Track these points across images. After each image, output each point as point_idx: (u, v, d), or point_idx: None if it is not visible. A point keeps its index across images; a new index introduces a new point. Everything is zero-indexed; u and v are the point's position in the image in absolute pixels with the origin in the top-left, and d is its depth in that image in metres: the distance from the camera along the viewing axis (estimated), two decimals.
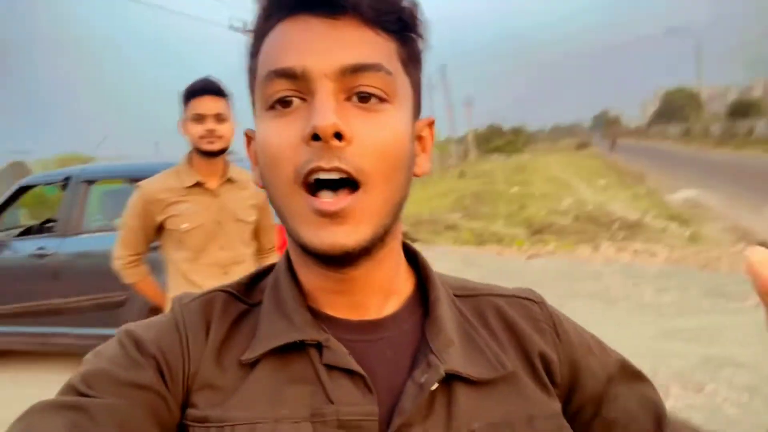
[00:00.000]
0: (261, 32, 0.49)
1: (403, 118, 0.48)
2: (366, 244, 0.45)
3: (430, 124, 0.54)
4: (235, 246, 1.97)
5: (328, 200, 0.44)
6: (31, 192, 4.24)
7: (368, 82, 0.45)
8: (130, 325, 0.51)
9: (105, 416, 0.43)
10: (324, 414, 0.45)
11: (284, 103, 0.46)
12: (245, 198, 2.01)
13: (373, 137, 0.45)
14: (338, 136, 0.43)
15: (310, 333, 0.48)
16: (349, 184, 0.44)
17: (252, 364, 0.48)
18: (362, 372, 0.47)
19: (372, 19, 0.46)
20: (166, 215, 1.90)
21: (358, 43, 0.46)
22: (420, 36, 0.50)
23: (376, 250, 0.48)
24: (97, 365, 0.46)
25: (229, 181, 1.98)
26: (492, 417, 0.48)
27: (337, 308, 0.51)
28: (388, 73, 0.46)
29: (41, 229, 3.90)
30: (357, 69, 0.45)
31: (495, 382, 0.49)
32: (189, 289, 1.66)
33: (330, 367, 0.47)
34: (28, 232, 4.46)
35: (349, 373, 0.47)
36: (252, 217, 2.02)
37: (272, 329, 0.49)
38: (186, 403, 0.48)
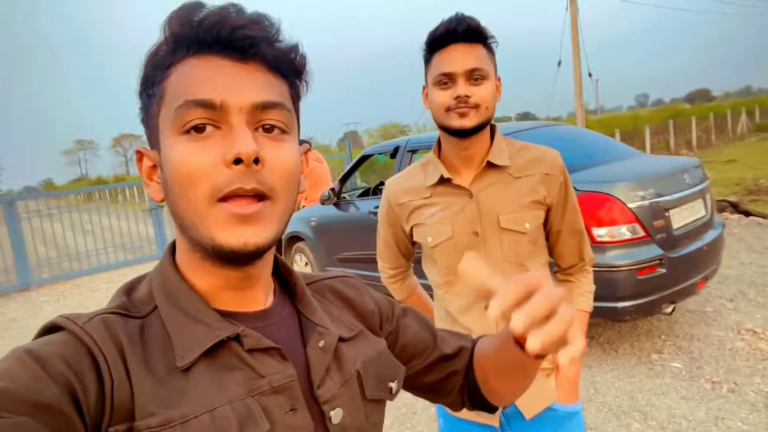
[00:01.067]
0: (164, 63, 0.56)
1: (296, 146, 0.59)
2: (270, 243, 0.56)
3: (306, 152, 0.66)
4: (505, 267, 1.32)
5: (243, 204, 0.53)
6: (368, 159, 5.03)
7: (273, 117, 0.56)
8: (26, 345, 0.50)
9: None
10: (260, 387, 0.56)
11: (198, 129, 0.54)
12: (521, 192, 1.32)
13: (279, 161, 0.55)
14: (256, 161, 0.52)
15: (227, 329, 0.57)
16: (258, 197, 0.54)
17: (186, 369, 0.54)
18: (277, 346, 0.59)
19: (273, 66, 0.57)
20: (411, 224, 1.42)
21: (265, 85, 0.56)
22: (305, 81, 0.62)
23: (267, 250, 0.58)
24: None
25: (491, 167, 1.33)
26: (362, 358, 0.67)
27: (232, 304, 0.61)
28: (288, 110, 0.57)
29: (375, 190, 4.60)
30: (266, 106, 0.55)
31: (354, 337, 0.69)
32: (451, 326, 1.41)
33: (251, 351, 0.57)
34: (365, 193, 5.34)
35: (266, 350, 0.58)
36: (532, 221, 1.32)
37: (190, 334, 0.56)
38: (104, 418, 0.49)
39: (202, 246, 0.55)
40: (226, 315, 0.59)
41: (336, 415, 0.61)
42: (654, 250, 3.16)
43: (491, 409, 0.82)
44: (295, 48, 0.59)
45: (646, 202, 3.20)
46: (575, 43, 14.23)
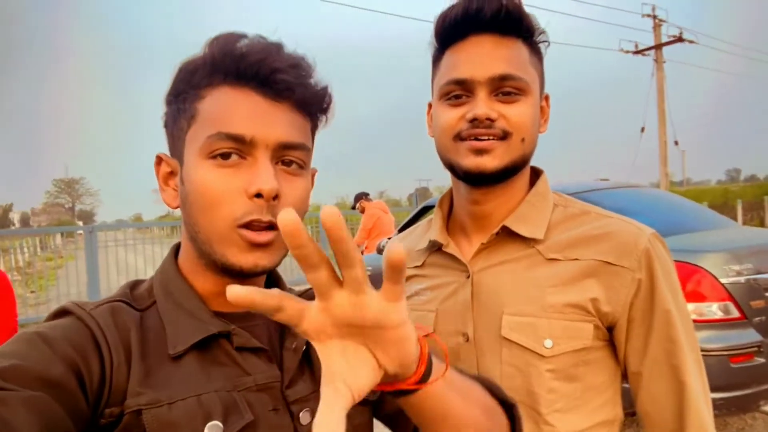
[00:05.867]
0: (199, 84, 0.61)
1: (309, 178, 0.67)
2: (276, 265, 0.63)
3: (313, 174, 0.70)
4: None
5: (259, 234, 0.59)
6: (430, 211, 4.89)
7: (294, 155, 0.62)
8: (35, 328, 0.54)
9: (24, 408, 0.45)
10: (245, 383, 0.60)
11: (224, 155, 0.59)
12: (552, 284, 0.83)
13: (294, 196, 0.62)
14: (275, 197, 0.58)
15: (219, 326, 0.61)
16: (271, 227, 0.59)
17: (177, 357, 0.58)
18: (265, 347, 0.63)
19: (301, 106, 0.63)
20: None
21: (292, 125, 0.62)
22: (326, 117, 0.68)
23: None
24: (8, 362, 0.48)
25: (510, 236, 0.87)
26: None
27: (226, 306, 0.63)
28: (308, 150, 0.64)
29: None
30: (289, 146, 0.61)
31: None
32: None
33: (240, 349, 0.61)
34: None
35: (254, 350, 0.62)
36: (563, 340, 0.81)
37: (183, 326, 0.60)
38: (102, 399, 0.53)
39: (212, 260, 0.61)
40: (219, 315, 0.63)
41: (305, 417, 0.63)
42: (751, 335, 2.70)
43: None
44: (324, 90, 0.65)
45: (742, 279, 2.77)
46: (661, 110, 13.69)
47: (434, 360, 0.53)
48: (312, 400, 0.64)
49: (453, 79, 0.83)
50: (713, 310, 2.72)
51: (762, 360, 2.70)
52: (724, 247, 2.93)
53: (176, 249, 0.68)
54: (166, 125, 0.66)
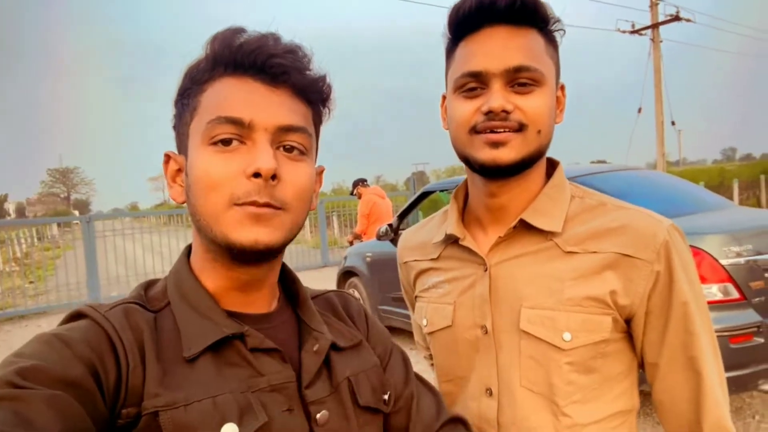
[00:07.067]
0: (201, 78, 0.63)
1: (313, 167, 0.67)
2: (278, 245, 0.62)
3: (321, 172, 0.72)
4: (524, 402, 0.84)
5: (257, 207, 0.59)
6: (428, 197, 4.89)
7: (294, 139, 0.63)
8: (52, 330, 0.55)
9: (45, 406, 0.46)
10: (258, 384, 0.60)
11: (225, 142, 0.60)
12: (571, 277, 0.82)
13: (294, 180, 0.62)
14: (273, 177, 0.59)
15: (233, 327, 0.62)
16: (269, 208, 0.60)
17: (192, 359, 0.59)
18: (279, 348, 0.64)
19: (300, 92, 0.64)
20: (416, 293, 1.03)
21: (291, 109, 0.63)
22: (328, 108, 0.70)
23: (274, 257, 0.65)
24: (28, 363, 0.49)
25: (528, 229, 0.86)
26: (355, 368, 0.71)
27: (239, 305, 0.65)
28: (309, 135, 0.65)
29: None
30: (289, 129, 0.62)
31: (352, 347, 0.73)
32: None
33: (253, 350, 0.62)
34: None
35: (268, 351, 0.63)
36: (581, 333, 0.81)
37: (198, 328, 0.61)
38: (119, 400, 0.54)
39: (215, 244, 0.61)
40: (232, 315, 0.64)
41: (322, 417, 0.64)
42: (750, 316, 2.73)
43: None
44: (322, 78, 0.66)
45: (742, 260, 2.79)
46: (658, 90, 13.65)
47: None
48: (329, 401, 0.65)
49: (467, 72, 0.82)
50: (713, 291, 2.74)
51: (761, 340, 2.73)
52: (724, 229, 2.94)
53: (189, 249, 0.69)
54: (174, 126, 0.67)
